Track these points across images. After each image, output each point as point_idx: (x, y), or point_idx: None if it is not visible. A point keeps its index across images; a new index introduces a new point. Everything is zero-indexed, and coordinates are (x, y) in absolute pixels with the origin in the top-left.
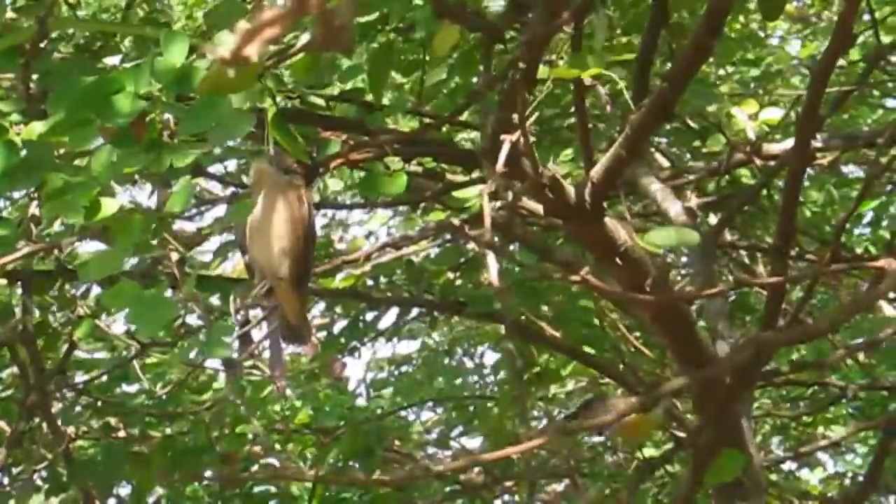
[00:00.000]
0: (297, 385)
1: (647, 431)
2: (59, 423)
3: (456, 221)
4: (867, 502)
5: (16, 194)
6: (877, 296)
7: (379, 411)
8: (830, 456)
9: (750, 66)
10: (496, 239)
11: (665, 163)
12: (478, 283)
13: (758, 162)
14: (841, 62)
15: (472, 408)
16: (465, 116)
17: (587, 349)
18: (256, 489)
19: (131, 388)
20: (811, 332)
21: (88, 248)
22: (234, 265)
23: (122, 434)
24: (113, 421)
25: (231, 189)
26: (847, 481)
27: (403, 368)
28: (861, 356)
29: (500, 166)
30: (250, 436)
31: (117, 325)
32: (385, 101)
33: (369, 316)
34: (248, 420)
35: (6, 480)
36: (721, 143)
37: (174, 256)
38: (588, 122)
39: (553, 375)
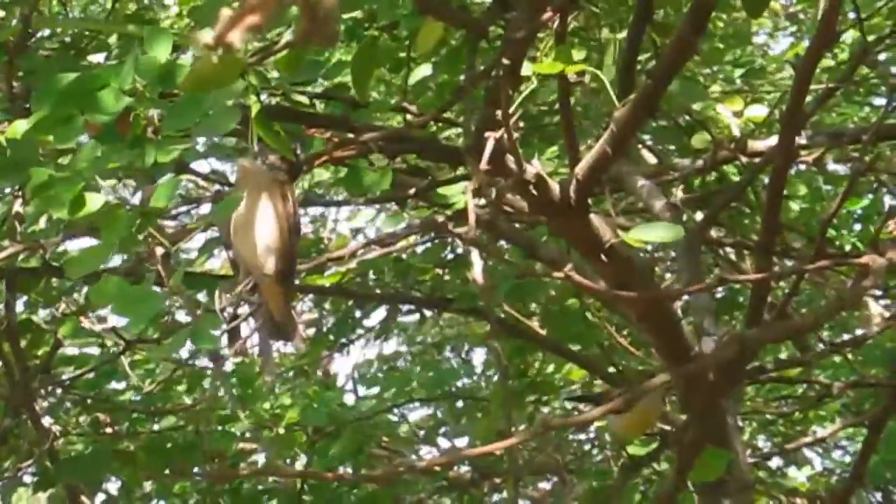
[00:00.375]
0: (285, 382)
1: (647, 426)
2: (47, 418)
3: (441, 218)
4: (853, 498)
5: None
6: (861, 292)
7: (366, 407)
8: (818, 454)
9: (735, 67)
10: (481, 236)
11: (652, 159)
12: (465, 279)
13: (743, 159)
14: (829, 63)
15: (460, 403)
16: (450, 113)
17: (573, 347)
18: (245, 485)
19: (120, 385)
20: (796, 329)
21: (76, 245)
22: (221, 262)
23: (109, 430)
24: (101, 416)
25: (216, 187)
26: (834, 479)
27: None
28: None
29: (483, 163)
30: (238, 433)
31: (111, 319)
32: (370, 98)
33: (358, 313)
34: (237, 417)
35: None
36: (706, 140)
37: (159, 251)
38: (572, 118)
39: (549, 387)
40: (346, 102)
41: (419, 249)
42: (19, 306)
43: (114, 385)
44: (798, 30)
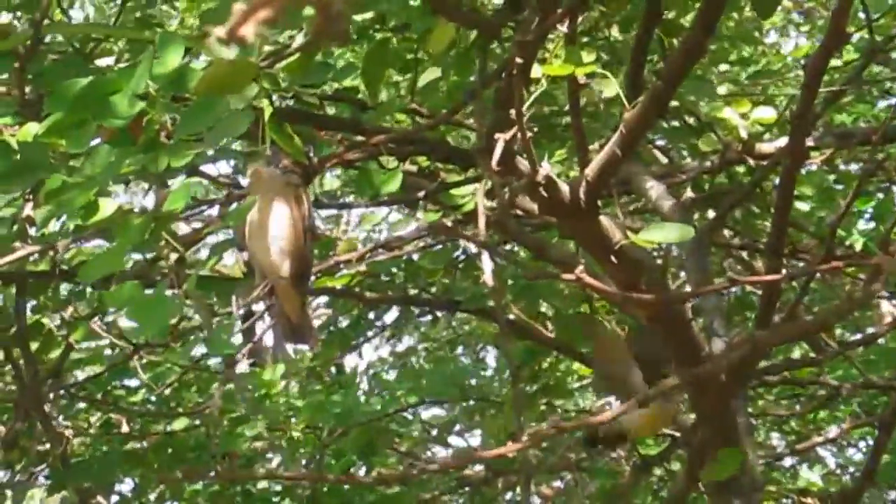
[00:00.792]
0: (298, 378)
1: (661, 426)
2: (60, 419)
3: (449, 222)
4: (865, 497)
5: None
6: (872, 293)
7: (379, 405)
8: (832, 453)
9: (743, 66)
10: (491, 237)
11: (663, 159)
12: (475, 280)
13: (751, 161)
14: (835, 62)
15: (471, 402)
16: (460, 115)
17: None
18: (259, 486)
19: (132, 383)
20: (807, 330)
21: (87, 248)
22: (234, 259)
23: (123, 430)
24: (113, 417)
25: (225, 190)
26: (847, 477)
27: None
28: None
29: (494, 163)
30: (251, 434)
31: (120, 321)
32: (381, 99)
33: (371, 315)
34: (248, 419)
35: (6, 478)
36: (713, 142)
37: (173, 256)
38: (582, 120)
39: (561, 390)
40: (356, 105)
41: (429, 251)
42: (27, 310)
43: (125, 383)
44: (811, 28)
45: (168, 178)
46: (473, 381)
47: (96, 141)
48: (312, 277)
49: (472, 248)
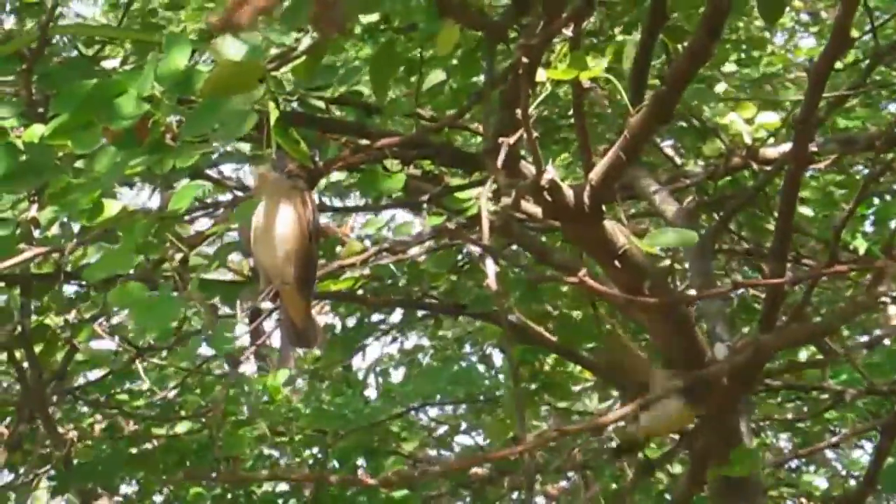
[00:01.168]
0: (304, 378)
1: (672, 427)
2: (64, 422)
3: (452, 225)
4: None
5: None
6: (876, 296)
7: (385, 407)
8: (837, 457)
9: (749, 67)
10: (494, 241)
11: (671, 154)
12: (478, 283)
13: (755, 166)
14: (837, 64)
15: (480, 398)
16: (465, 118)
17: (585, 352)
18: (262, 489)
19: (135, 385)
20: (812, 334)
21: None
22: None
23: (128, 430)
24: (117, 419)
25: (228, 194)
26: (852, 481)
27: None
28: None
29: (500, 162)
30: (254, 436)
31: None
32: (387, 101)
33: (375, 317)
34: (252, 421)
35: (10, 478)
36: (717, 147)
37: (177, 257)
38: (586, 124)
39: (562, 390)
40: (362, 108)
41: (433, 255)
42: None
43: (128, 386)
44: (820, 28)
45: (173, 179)
46: (481, 380)
47: (102, 142)
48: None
49: (476, 251)
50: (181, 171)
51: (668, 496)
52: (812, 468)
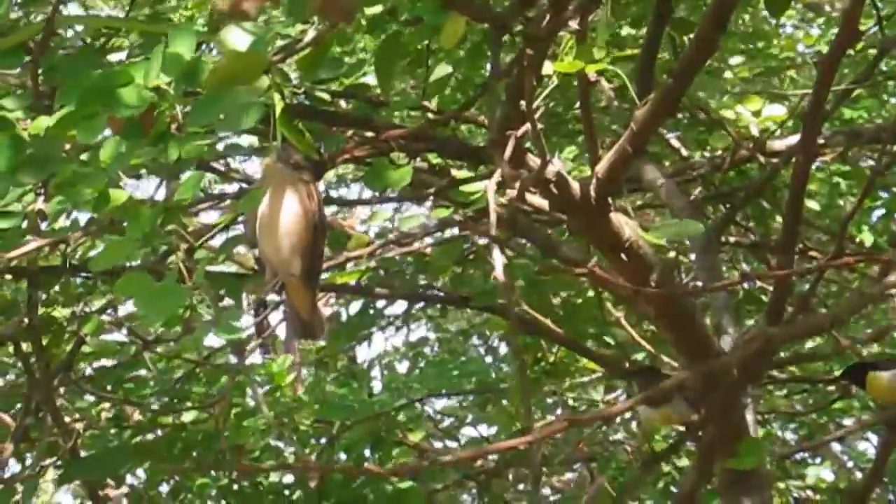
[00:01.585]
0: (309, 366)
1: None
2: (70, 412)
3: (458, 217)
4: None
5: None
6: (884, 288)
7: (390, 396)
8: (842, 450)
9: (756, 58)
10: (501, 232)
11: (678, 145)
12: (486, 273)
13: (761, 158)
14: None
15: (486, 390)
16: (471, 110)
17: (591, 344)
18: (269, 479)
19: (141, 372)
20: (820, 326)
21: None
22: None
23: (134, 418)
24: (123, 409)
25: (235, 185)
26: (858, 474)
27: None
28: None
29: (507, 154)
30: (261, 427)
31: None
32: (393, 94)
33: (380, 304)
34: (257, 412)
35: (18, 469)
36: (724, 139)
37: (182, 246)
38: (593, 117)
39: (564, 371)
40: (368, 101)
41: (439, 246)
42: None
43: (135, 374)
44: (826, 20)
45: (179, 170)
46: (488, 372)
47: (108, 133)
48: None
49: (482, 242)
50: (187, 161)
51: (673, 489)
52: (818, 461)
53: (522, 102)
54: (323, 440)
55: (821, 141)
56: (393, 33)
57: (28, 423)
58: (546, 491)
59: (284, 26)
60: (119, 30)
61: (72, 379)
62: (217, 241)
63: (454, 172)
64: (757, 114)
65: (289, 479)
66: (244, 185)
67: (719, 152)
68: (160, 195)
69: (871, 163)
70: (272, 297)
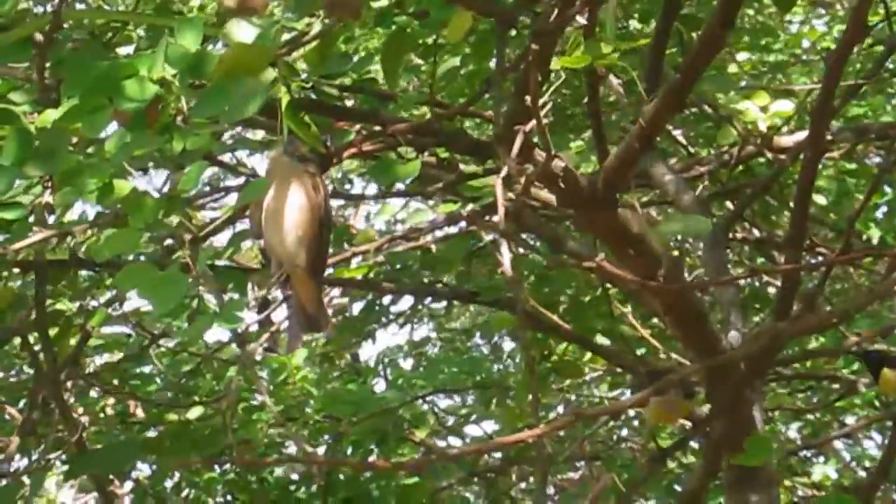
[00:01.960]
0: (313, 367)
1: (679, 416)
2: (76, 406)
3: (465, 212)
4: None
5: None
6: (892, 284)
7: (394, 395)
8: (847, 446)
9: (763, 52)
10: (509, 226)
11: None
12: (492, 269)
13: (769, 155)
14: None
15: (488, 390)
16: (478, 105)
17: (599, 340)
18: (275, 474)
19: (147, 368)
20: (827, 322)
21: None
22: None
23: (139, 414)
24: (130, 405)
25: (241, 178)
26: (862, 472)
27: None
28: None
29: (514, 151)
30: (266, 422)
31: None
32: (399, 88)
33: (385, 300)
34: (263, 407)
35: (24, 463)
36: (732, 135)
37: (187, 237)
38: (601, 111)
39: (572, 369)
40: (375, 95)
41: (447, 241)
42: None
43: (141, 370)
44: (832, 17)
45: (184, 161)
46: (491, 369)
47: (113, 126)
48: (329, 269)
49: (489, 237)
50: (193, 153)
51: (677, 487)
52: (821, 459)
53: (527, 97)
54: (328, 437)
55: (828, 137)
56: (399, 27)
57: (35, 418)
58: (549, 490)
59: (289, 20)
60: (127, 23)
61: (79, 373)
62: (224, 237)
63: (462, 167)
64: (764, 109)
65: (295, 475)
66: (251, 179)
67: (726, 148)
68: (167, 189)
69: (878, 160)
70: (276, 296)
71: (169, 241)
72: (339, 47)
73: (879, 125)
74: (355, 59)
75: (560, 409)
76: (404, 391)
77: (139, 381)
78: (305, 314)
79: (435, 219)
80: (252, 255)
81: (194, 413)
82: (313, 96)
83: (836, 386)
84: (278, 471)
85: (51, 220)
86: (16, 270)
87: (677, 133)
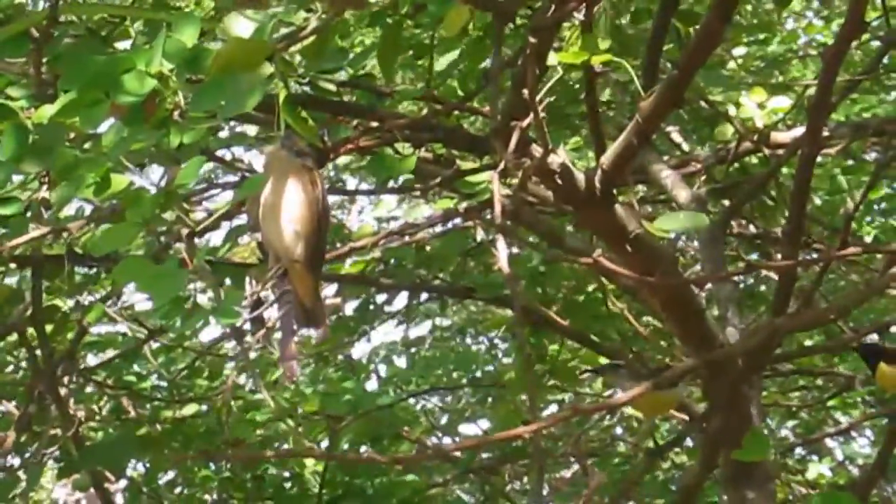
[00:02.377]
0: (307, 365)
1: (665, 409)
2: (72, 402)
3: (461, 208)
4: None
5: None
6: (889, 280)
7: (388, 392)
8: (840, 444)
9: (761, 46)
10: (506, 222)
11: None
12: (488, 266)
13: (766, 151)
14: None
15: (484, 384)
16: (475, 101)
17: (595, 337)
18: (270, 472)
19: (142, 368)
20: (825, 317)
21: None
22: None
23: (132, 415)
24: (124, 402)
25: (239, 174)
26: (856, 470)
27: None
28: None
29: (511, 145)
30: (260, 420)
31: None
32: (396, 83)
33: (380, 298)
34: (258, 405)
35: (18, 461)
36: (728, 132)
37: (183, 232)
38: (598, 108)
39: (568, 374)
40: (372, 91)
41: (443, 238)
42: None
43: (136, 369)
44: (829, 13)
45: (181, 156)
46: (486, 367)
47: (110, 121)
48: (326, 264)
49: (485, 234)
50: (190, 148)
51: (672, 487)
52: (815, 457)
53: (525, 91)
54: (325, 434)
55: (825, 133)
56: (396, 21)
57: (31, 412)
58: (544, 490)
59: (287, 14)
60: (125, 18)
61: (75, 369)
62: (220, 235)
63: (459, 163)
64: (762, 106)
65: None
66: (248, 175)
67: (722, 145)
68: (164, 184)
69: (875, 156)
70: (268, 295)
71: (164, 238)
72: (336, 43)
73: (877, 121)
74: (352, 54)
75: (553, 408)
76: (399, 389)
77: (134, 378)
78: (303, 309)
79: (431, 215)
80: (247, 253)
81: (189, 410)
82: (310, 91)
83: (830, 384)
84: (273, 469)
85: (47, 215)
86: (12, 266)
87: (672, 130)
